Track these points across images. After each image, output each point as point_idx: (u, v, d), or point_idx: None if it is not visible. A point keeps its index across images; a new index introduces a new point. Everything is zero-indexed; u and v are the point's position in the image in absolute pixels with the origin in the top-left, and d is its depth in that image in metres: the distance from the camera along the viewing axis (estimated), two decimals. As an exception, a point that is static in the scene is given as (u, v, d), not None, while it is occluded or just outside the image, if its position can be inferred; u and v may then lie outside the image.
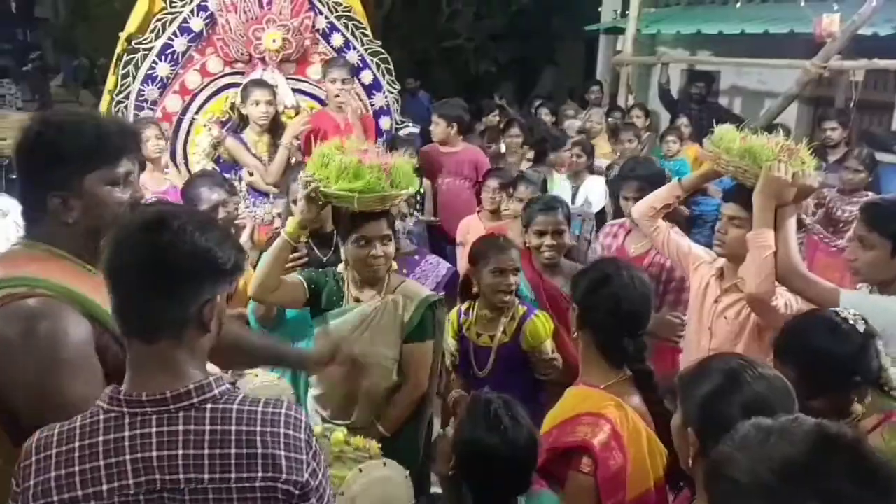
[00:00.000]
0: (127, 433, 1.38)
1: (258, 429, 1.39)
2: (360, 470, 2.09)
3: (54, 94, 12.30)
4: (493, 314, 3.12)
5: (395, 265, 2.95)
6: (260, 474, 1.37)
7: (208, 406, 1.39)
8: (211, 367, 1.61)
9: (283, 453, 1.39)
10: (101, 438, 1.38)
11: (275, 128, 5.04)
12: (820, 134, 6.35)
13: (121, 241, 1.41)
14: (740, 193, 2.89)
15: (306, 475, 1.40)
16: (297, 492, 1.39)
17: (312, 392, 2.97)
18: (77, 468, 1.37)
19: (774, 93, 8.14)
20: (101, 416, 1.40)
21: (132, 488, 1.37)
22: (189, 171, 5.04)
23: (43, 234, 1.77)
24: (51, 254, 1.75)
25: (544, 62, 13.62)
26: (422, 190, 5.28)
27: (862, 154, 5.41)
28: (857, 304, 2.36)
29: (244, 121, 5.06)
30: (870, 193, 5.26)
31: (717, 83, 9.28)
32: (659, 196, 3.23)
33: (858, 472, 0.97)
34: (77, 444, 1.38)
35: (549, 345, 3.10)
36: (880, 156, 6.87)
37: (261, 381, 2.73)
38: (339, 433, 2.21)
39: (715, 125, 3.02)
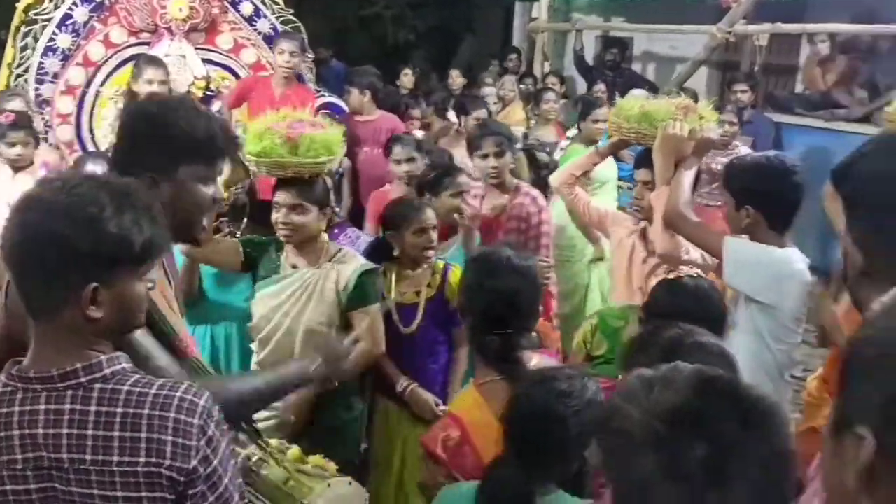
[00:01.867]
0: (17, 408, 1.36)
1: (146, 412, 1.35)
2: (329, 485, 2.11)
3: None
4: (416, 271, 3.19)
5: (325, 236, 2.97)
6: (143, 459, 1.34)
7: (97, 386, 1.36)
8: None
9: (170, 438, 1.35)
10: None
11: None
12: (730, 96, 6.56)
13: (4, 224, 1.39)
14: (648, 158, 3.04)
15: (194, 462, 1.36)
16: (182, 479, 1.35)
17: (255, 361, 2.98)
18: None
19: (685, 58, 8.33)
20: None
21: (20, 463, 1.36)
22: (96, 146, 4.90)
23: None
24: None
25: (463, 30, 13.59)
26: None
27: (734, 109, 5.74)
28: (739, 249, 2.53)
29: (135, 98, 4.68)
30: (740, 145, 5.58)
31: (631, 49, 9.44)
32: (577, 163, 3.36)
33: (740, 412, 0.98)
34: None
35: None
36: (783, 117, 7.16)
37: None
38: (296, 450, 2.22)
39: (627, 91, 3.16)
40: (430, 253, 3.16)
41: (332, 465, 2.22)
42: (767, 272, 2.49)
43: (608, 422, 1.06)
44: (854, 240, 1.47)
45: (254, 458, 2.00)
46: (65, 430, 1.35)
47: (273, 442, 2.22)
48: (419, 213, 3.14)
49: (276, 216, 2.80)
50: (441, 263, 3.23)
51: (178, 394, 1.38)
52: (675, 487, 0.96)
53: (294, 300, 2.82)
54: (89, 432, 1.35)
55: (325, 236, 2.92)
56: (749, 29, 7.29)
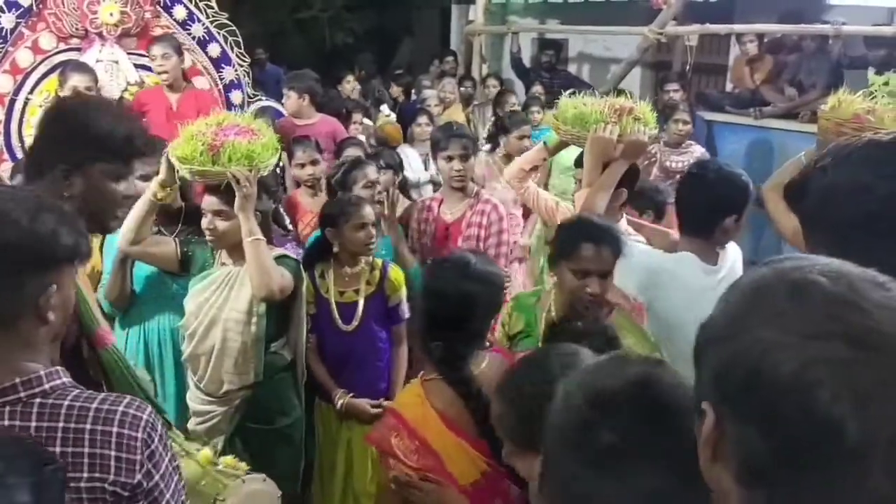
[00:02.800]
0: None
1: (88, 426, 1.35)
2: (244, 481, 2.13)
3: None
4: (354, 269, 3.20)
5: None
6: (86, 474, 1.34)
7: (36, 401, 1.35)
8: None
9: (112, 453, 1.35)
10: None
11: None
12: (663, 96, 6.72)
13: None
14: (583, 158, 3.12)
15: (138, 476, 1.36)
16: (125, 493, 1.35)
17: (184, 356, 2.99)
18: None
19: (619, 59, 8.49)
20: None
21: None
22: (25, 154, 4.77)
23: None
24: None
25: (402, 32, 13.60)
26: (282, 164, 5.20)
27: (687, 108, 5.92)
28: (631, 252, 2.56)
29: None
30: (693, 143, 5.74)
31: (566, 51, 9.57)
32: (527, 158, 3.43)
33: (653, 413, 1.01)
34: None
35: (403, 293, 3.24)
36: (713, 115, 7.36)
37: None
38: (208, 451, 2.21)
39: (564, 93, 3.22)
40: (371, 248, 3.20)
41: (244, 465, 2.22)
42: (644, 273, 2.60)
43: (552, 405, 1.09)
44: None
45: None
46: None
47: (176, 448, 2.21)
48: (358, 209, 3.17)
49: (203, 221, 2.83)
50: (380, 261, 3.26)
51: (121, 408, 1.38)
52: (584, 469, 1.00)
53: (218, 293, 2.86)
54: None
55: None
56: (679, 30, 7.47)
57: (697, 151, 5.71)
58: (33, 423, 1.34)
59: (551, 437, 1.06)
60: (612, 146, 2.91)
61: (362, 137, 5.86)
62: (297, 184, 5.12)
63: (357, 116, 6.41)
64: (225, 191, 2.74)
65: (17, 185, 1.54)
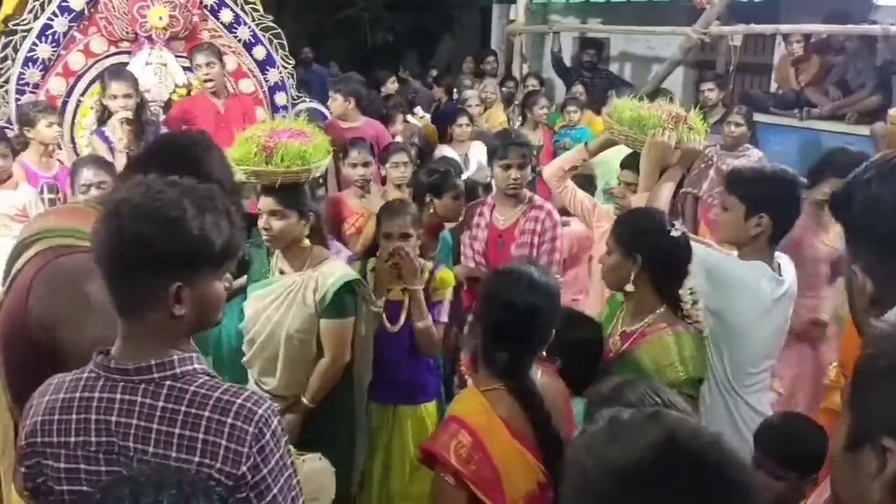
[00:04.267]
0: (97, 394, 1.45)
1: (206, 413, 1.41)
2: (303, 460, 2.20)
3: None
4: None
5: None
6: (197, 458, 1.40)
7: (167, 383, 1.43)
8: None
9: (223, 442, 1.39)
10: (77, 395, 1.47)
11: (140, 117, 4.65)
12: (699, 96, 6.66)
13: (93, 227, 1.47)
14: (633, 160, 3.16)
15: (243, 468, 1.40)
16: (230, 483, 1.40)
17: (244, 359, 3.03)
18: (56, 417, 1.47)
19: (661, 58, 8.44)
20: (85, 374, 1.48)
21: (93, 446, 1.45)
22: (77, 155, 4.90)
23: None
24: None
25: (442, 31, 13.63)
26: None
27: (742, 110, 5.73)
28: (698, 255, 2.53)
29: (107, 112, 4.65)
30: (751, 147, 5.62)
31: (608, 50, 9.52)
32: (567, 158, 3.44)
33: (706, 486, 0.89)
34: (61, 396, 1.48)
35: (449, 293, 3.26)
36: (758, 116, 7.26)
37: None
38: None
39: (608, 92, 3.24)
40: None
41: (292, 448, 2.26)
42: (717, 279, 2.52)
43: (569, 467, 0.98)
44: (862, 269, 1.39)
45: None
46: (134, 421, 1.43)
47: None
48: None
49: (260, 222, 2.88)
50: (430, 264, 3.28)
51: (239, 400, 1.44)
52: None
53: (276, 306, 2.87)
54: (154, 426, 1.42)
55: (307, 242, 2.93)
56: (724, 30, 7.39)
57: (755, 155, 5.49)
58: (161, 403, 1.42)
59: None
60: (671, 152, 2.91)
61: (400, 138, 5.92)
62: (339, 186, 5.22)
63: (399, 117, 6.47)
64: (280, 190, 2.81)
65: (188, 183, 1.53)
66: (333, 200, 4.53)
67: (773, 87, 8.00)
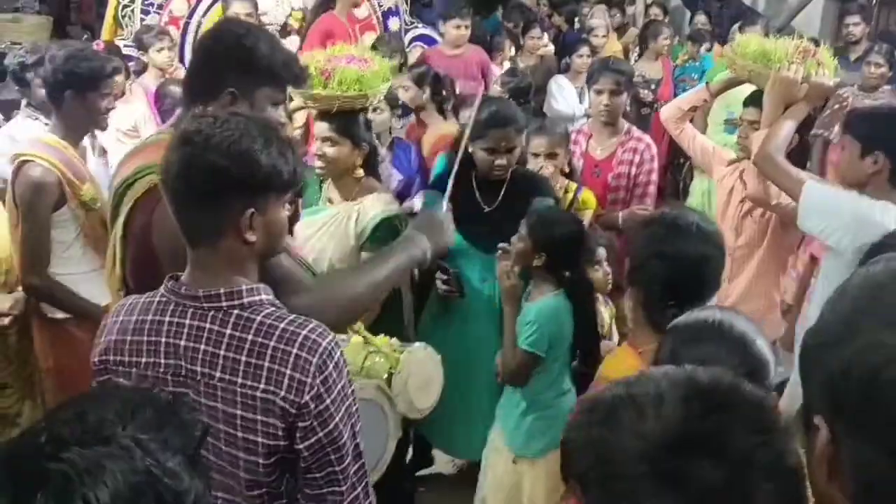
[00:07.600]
0: (167, 318, 1.51)
1: (272, 343, 1.45)
2: (409, 352, 2.23)
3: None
4: None
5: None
6: (262, 385, 1.44)
7: (235, 312, 1.48)
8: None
9: (288, 371, 1.43)
10: (149, 317, 1.53)
11: None
12: (842, 30, 6.19)
13: (163, 157, 1.50)
14: (757, 97, 3.02)
15: (306, 398, 1.44)
16: (293, 410, 1.44)
17: None
18: (129, 337, 1.54)
19: (798, -14, 7.86)
20: (157, 298, 1.54)
21: (162, 367, 1.51)
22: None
23: None
24: None
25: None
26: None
27: (883, 49, 5.28)
28: (817, 192, 2.48)
29: None
30: (889, 88, 5.18)
31: (740, -22, 8.97)
32: (687, 98, 3.33)
33: (746, 421, 0.81)
34: (135, 318, 1.55)
35: (590, 214, 3.28)
36: (899, 55, 6.70)
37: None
38: (357, 337, 2.29)
39: (733, 25, 3.06)
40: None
41: (395, 340, 2.29)
42: (844, 216, 2.43)
43: (599, 456, 0.85)
44: None
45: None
46: (202, 346, 1.48)
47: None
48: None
49: (313, 147, 2.87)
50: (574, 184, 3.29)
51: (304, 332, 1.47)
52: None
53: (320, 235, 2.82)
54: (222, 352, 1.47)
55: (360, 172, 2.84)
56: (870, -44, 6.81)
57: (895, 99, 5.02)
58: (228, 330, 1.47)
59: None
60: (797, 87, 2.77)
61: (506, 64, 5.78)
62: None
63: (503, 44, 6.26)
64: (335, 116, 2.77)
65: (248, 114, 1.59)
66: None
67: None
